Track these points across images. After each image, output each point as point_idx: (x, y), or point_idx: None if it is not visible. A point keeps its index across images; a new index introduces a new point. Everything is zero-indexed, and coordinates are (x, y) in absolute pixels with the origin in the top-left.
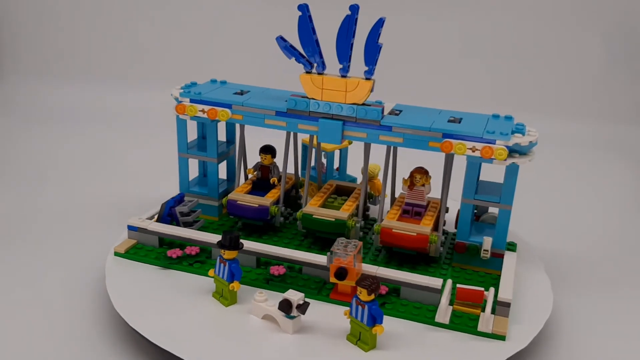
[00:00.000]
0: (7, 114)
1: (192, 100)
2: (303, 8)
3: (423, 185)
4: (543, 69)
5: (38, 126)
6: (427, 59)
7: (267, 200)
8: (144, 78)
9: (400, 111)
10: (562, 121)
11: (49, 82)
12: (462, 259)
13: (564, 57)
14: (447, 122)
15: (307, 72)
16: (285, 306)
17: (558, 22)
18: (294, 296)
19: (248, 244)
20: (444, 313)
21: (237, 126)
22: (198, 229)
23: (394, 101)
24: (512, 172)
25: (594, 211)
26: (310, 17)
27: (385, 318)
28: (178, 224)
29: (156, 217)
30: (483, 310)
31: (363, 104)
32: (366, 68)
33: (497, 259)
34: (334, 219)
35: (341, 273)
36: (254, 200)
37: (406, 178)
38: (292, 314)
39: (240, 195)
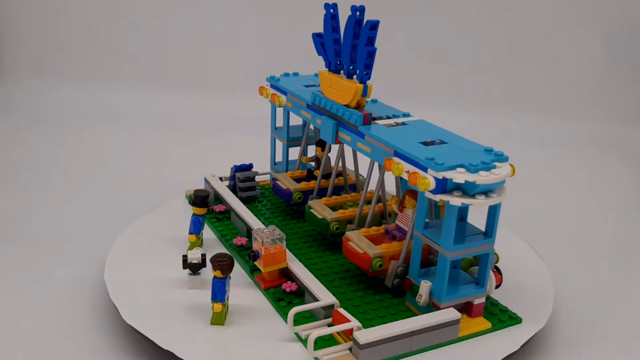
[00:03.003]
0: (7, 114)
1: (271, 86)
2: (327, 7)
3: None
4: (543, 69)
5: (38, 126)
6: (427, 59)
7: (294, 185)
8: (145, 78)
9: (405, 124)
10: (562, 121)
11: (49, 82)
12: (411, 298)
13: (564, 57)
14: (419, 142)
15: (327, 70)
16: (184, 263)
17: (558, 22)
18: (192, 254)
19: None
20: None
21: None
22: (246, 197)
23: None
24: (450, 212)
25: (594, 211)
26: (333, 16)
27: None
28: (235, 187)
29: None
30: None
31: (356, 107)
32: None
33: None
34: (320, 217)
35: (252, 255)
36: (285, 184)
37: (396, 197)
38: (193, 272)
39: (282, 177)
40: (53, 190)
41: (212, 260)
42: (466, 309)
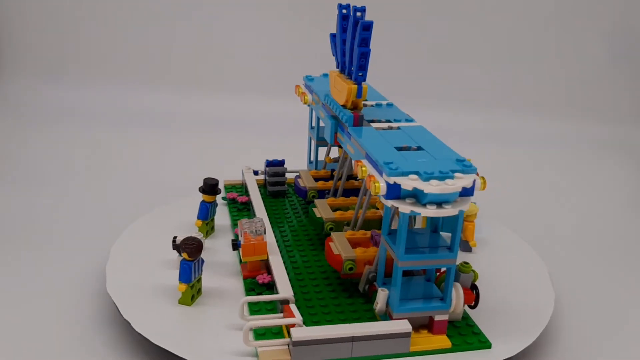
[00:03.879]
0: (7, 114)
1: (305, 85)
2: (340, 7)
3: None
4: (543, 69)
5: (38, 126)
6: (427, 59)
7: (311, 184)
8: (145, 78)
9: (399, 129)
10: (562, 121)
11: (48, 82)
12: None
13: (564, 57)
14: (394, 147)
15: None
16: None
17: (558, 22)
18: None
19: None
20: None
21: None
22: (274, 192)
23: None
24: (402, 219)
25: (594, 211)
26: (344, 16)
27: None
28: (266, 181)
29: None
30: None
31: (353, 108)
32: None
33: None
34: (317, 216)
35: (234, 244)
36: (304, 182)
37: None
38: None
39: (304, 174)
40: (53, 190)
41: (181, 243)
42: (429, 324)
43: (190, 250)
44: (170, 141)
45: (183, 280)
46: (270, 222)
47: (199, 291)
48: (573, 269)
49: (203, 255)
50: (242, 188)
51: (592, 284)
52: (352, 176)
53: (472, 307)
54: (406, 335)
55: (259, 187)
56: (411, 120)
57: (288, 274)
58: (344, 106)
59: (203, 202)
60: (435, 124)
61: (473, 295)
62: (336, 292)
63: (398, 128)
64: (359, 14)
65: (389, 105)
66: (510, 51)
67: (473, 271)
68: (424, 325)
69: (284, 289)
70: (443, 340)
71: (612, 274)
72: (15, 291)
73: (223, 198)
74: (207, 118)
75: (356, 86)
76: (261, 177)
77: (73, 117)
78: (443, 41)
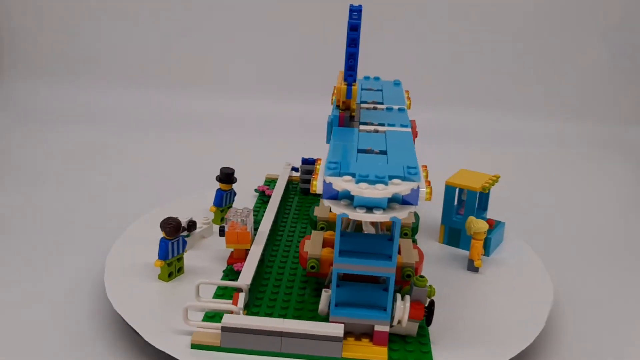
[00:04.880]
0: (6, 114)
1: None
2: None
3: None
4: (543, 69)
5: (37, 126)
6: (425, 59)
7: None
8: (145, 79)
9: (383, 133)
10: (562, 121)
11: (48, 82)
12: None
13: (564, 57)
14: (358, 149)
15: None
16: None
17: (558, 22)
18: (184, 218)
19: None
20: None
21: None
22: (306, 188)
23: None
24: (338, 222)
25: (593, 211)
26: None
27: None
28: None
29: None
30: None
31: (344, 109)
32: None
33: None
34: (313, 215)
35: (221, 230)
36: None
37: None
38: (184, 234)
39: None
40: (53, 190)
41: (162, 222)
42: (372, 333)
43: (168, 230)
44: (170, 141)
45: (160, 257)
46: (283, 217)
47: (180, 270)
48: (573, 269)
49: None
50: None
51: (592, 284)
52: None
53: (427, 324)
54: (337, 339)
55: (295, 184)
56: (406, 126)
57: (264, 266)
58: (338, 106)
59: (219, 190)
60: (435, 124)
61: (422, 310)
62: (308, 289)
63: (384, 132)
64: (354, 14)
65: (401, 110)
66: (510, 51)
67: (430, 287)
68: (368, 334)
69: (243, 278)
70: (380, 352)
71: (612, 274)
72: (15, 291)
73: (255, 190)
74: (234, 118)
75: (345, 87)
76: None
77: (73, 117)
78: (442, 41)
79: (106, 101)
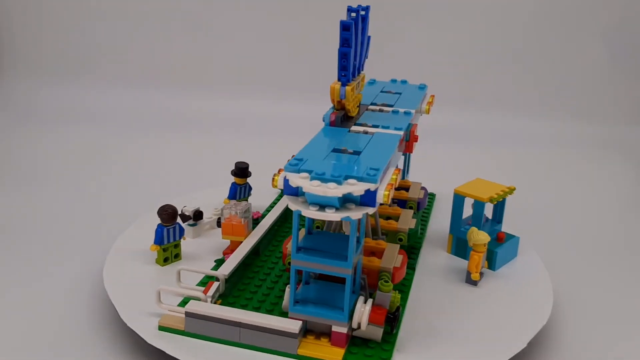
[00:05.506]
0: (7, 114)
1: None
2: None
3: None
4: (543, 69)
5: (37, 126)
6: (425, 58)
7: None
8: (145, 79)
9: (370, 135)
10: (562, 121)
11: (48, 82)
12: None
13: (564, 57)
14: (332, 148)
15: None
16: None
17: (558, 22)
18: (188, 208)
19: None
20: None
21: None
22: None
23: None
24: (295, 218)
25: (593, 211)
26: (363, 18)
27: None
28: None
29: None
30: None
31: (340, 109)
32: None
33: None
34: None
35: (218, 222)
36: None
37: None
38: (190, 222)
39: None
40: (52, 190)
41: (159, 209)
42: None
43: (164, 216)
44: (170, 141)
45: (155, 242)
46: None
47: (177, 256)
48: (573, 269)
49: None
50: None
51: (592, 284)
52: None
53: (390, 331)
54: (292, 335)
55: None
56: (400, 129)
57: (258, 260)
58: (334, 106)
59: (234, 184)
60: (435, 124)
61: (383, 315)
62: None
63: (372, 134)
64: (352, 14)
65: (407, 113)
66: (510, 51)
67: (395, 293)
68: (329, 334)
69: (223, 268)
70: (335, 354)
71: (612, 274)
72: (15, 291)
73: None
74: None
75: (338, 86)
76: None
77: (73, 117)
78: (442, 41)
79: (106, 101)
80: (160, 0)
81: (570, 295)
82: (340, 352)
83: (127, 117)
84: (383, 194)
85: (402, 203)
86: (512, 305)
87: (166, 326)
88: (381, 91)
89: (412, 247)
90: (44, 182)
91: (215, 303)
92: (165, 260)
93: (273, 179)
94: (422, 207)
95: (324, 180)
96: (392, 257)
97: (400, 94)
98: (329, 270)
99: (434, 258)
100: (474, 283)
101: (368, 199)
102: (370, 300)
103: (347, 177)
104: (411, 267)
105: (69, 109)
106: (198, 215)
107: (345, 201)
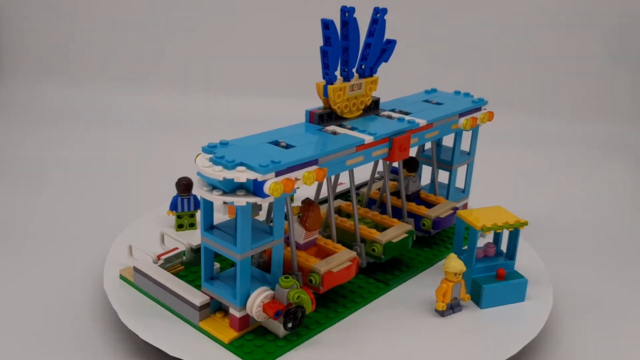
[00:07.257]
0: (7, 114)
1: None
2: (375, 10)
3: None
4: (543, 69)
5: (38, 126)
6: (424, 57)
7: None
8: (145, 79)
9: (337, 134)
10: (562, 121)
11: (48, 83)
12: None
13: (565, 57)
14: (271, 141)
15: None
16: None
17: (558, 22)
18: None
19: None
20: None
21: None
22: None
23: None
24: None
25: (594, 211)
26: (374, 19)
27: None
28: None
29: None
30: None
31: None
32: None
33: None
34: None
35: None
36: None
37: None
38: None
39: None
40: (52, 190)
41: (177, 181)
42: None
43: (181, 187)
44: (170, 141)
45: (170, 208)
46: None
47: (192, 225)
48: (573, 269)
49: None
50: None
51: (592, 284)
52: (397, 192)
53: (284, 328)
54: (195, 307)
55: None
56: (373, 134)
57: None
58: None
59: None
60: None
61: (274, 309)
62: None
63: (339, 134)
64: (346, 14)
65: (400, 120)
66: (510, 51)
67: (293, 291)
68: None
69: (193, 240)
70: (225, 334)
71: (612, 274)
72: (15, 291)
73: None
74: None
75: (322, 84)
76: None
77: (73, 117)
78: (442, 41)
79: (106, 101)
80: (164, 2)
81: (570, 295)
82: (233, 334)
83: (127, 117)
84: (269, 187)
85: (418, 218)
86: (512, 305)
87: (124, 276)
88: (423, 100)
89: (407, 263)
90: (44, 182)
91: (172, 268)
92: (180, 227)
93: (195, 159)
94: (444, 226)
95: (218, 163)
96: (335, 260)
97: (440, 104)
98: (224, 252)
99: (438, 276)
100: (441, 314)
101: (256, 188)
102: (270, 294)
103: (240, 164)
104: (385, 282)
105: (69, 109)
106: None
107: (239, 188)
